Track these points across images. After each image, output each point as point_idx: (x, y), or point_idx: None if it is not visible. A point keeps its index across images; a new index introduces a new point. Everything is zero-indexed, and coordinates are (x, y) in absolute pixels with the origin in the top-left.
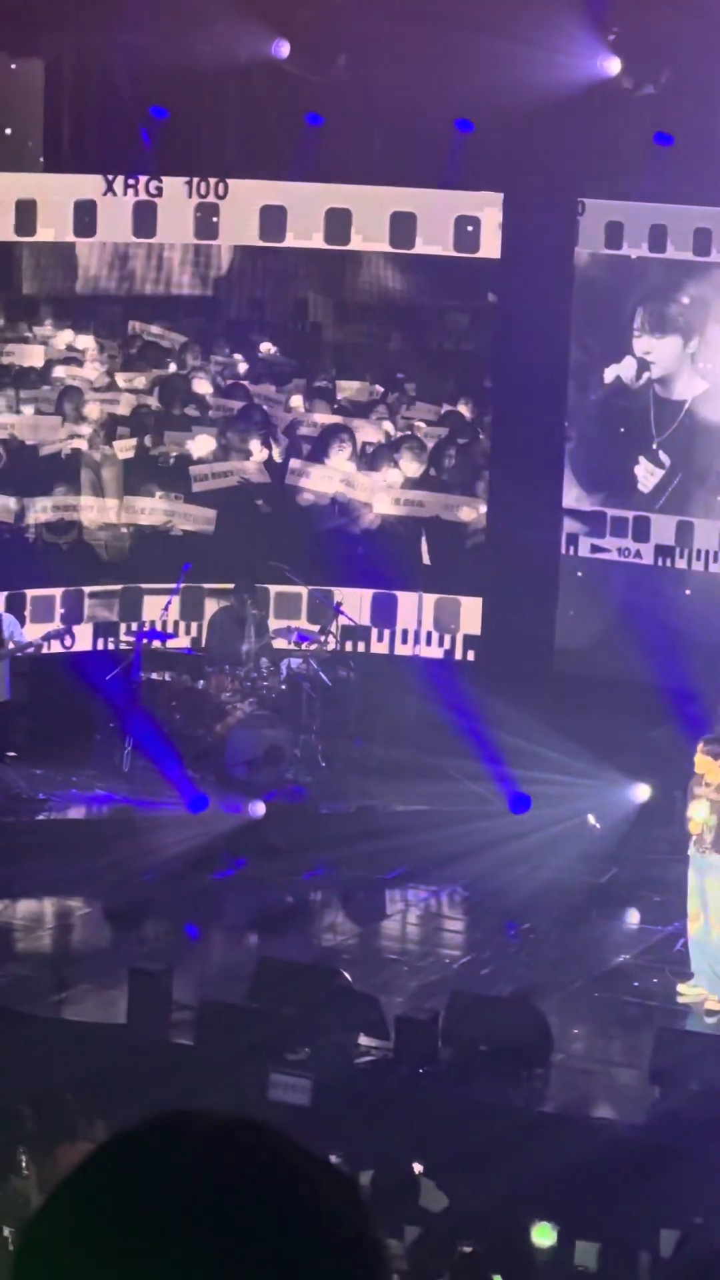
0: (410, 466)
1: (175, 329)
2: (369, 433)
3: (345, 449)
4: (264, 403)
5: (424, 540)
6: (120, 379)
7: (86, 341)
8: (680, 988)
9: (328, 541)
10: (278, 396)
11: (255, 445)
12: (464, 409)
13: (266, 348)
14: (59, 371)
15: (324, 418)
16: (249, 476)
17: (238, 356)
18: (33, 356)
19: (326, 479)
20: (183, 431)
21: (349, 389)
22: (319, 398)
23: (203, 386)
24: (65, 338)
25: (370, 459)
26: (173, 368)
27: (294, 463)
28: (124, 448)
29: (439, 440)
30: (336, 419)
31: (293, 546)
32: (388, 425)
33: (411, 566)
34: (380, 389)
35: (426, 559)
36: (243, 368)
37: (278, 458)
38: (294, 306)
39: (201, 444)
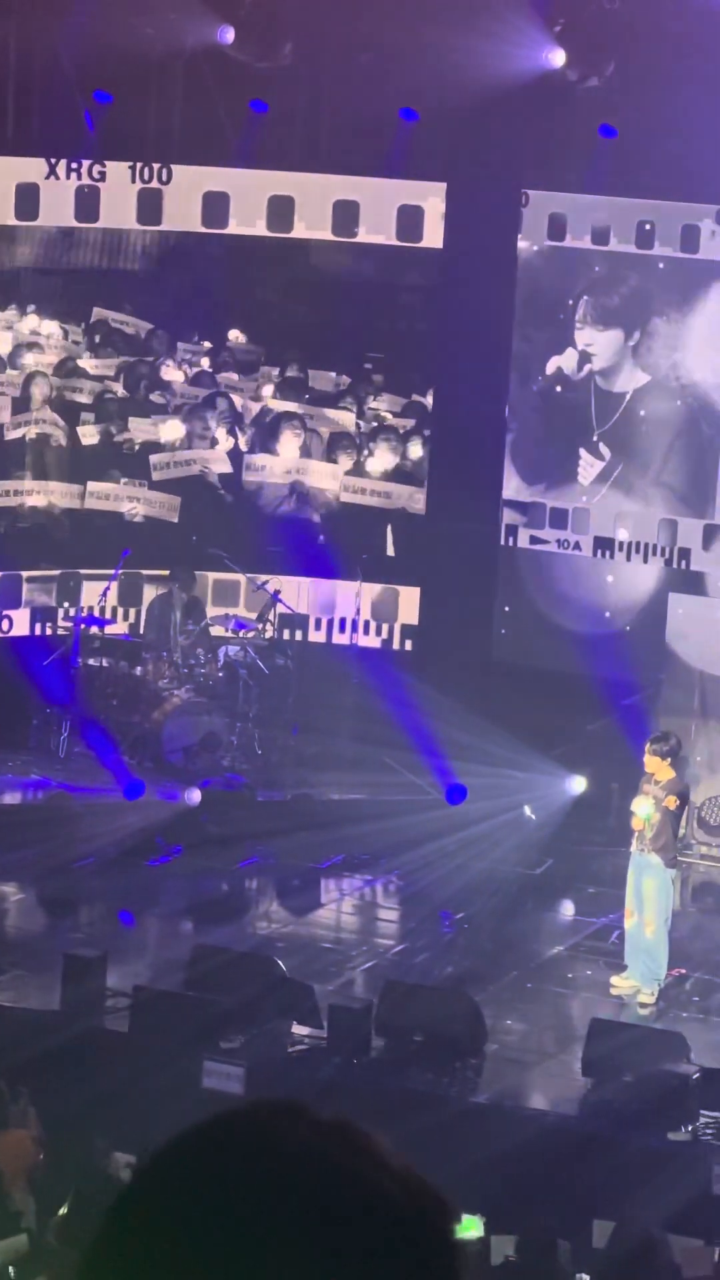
0: (385, 459)
1: (141, 316)
2: (335, 423)
3: (300, 438)
4: (231, 391)
5: (389, 532)
6: (85, 365)
7: (50, 327)
8: (613, 980)
9: (288, 531)
10: (245, 385)
11: (221, 434)
12: (429, 400)
13: (235, 335)
14: (22, 357)
15: (290, 407)
16: (211, 465)
17: (205, 344)
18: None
19: (288, 468)
20: (146, 418)
21: (317, 379)
22: (288, 387)
23: (169, 374)
24: (30, 323)
25: (337, 449)
26: (138, 355)
27: (256, 453)
28: (88, 434)
29: (405, 431)
30: (299, 408)
31: (253, 535)
32: (354, 416)
33: (375, 557)
34: (348, 379)
35: (391, 550)
36: (210, 356)
37: (244, 446)
38: (263, 294)
39: (170, 430)
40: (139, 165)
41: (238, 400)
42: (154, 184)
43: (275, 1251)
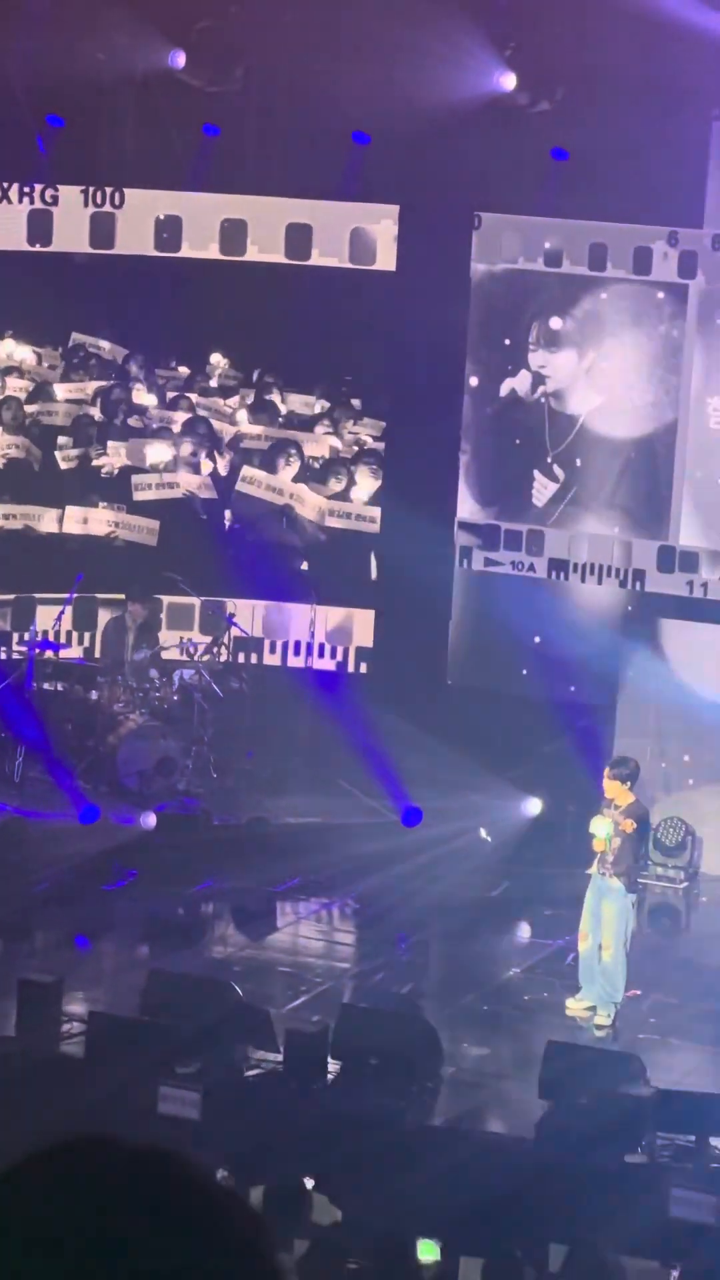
0: (367, 484)
1: (117, 340)
2: (314, 447)
3: (293, 464)
4: (210, 415)
5: (373, 557)
6: (61, 389)
7: (25, 352)
8: (568, 1002)
9: (272, 556)
10: (223, 409)
11: (201, 458)
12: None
13: (216, 359)
14: None
15: (269, 431)
16: (194, 490)
17: (183, 369)
18: None
19: (273, 493)
20: (123, 442)
21: (294, 402)
22: (263, 410)
23: (146, 398)
24: (5, 348)
25: (318, 473)
26: (115, 379)
27: (241, 474)
28: (66, 458)
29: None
30: (282, 433)
31: (234, 560)
32: (333, 440)
33: (359, 582)
34: (326, 403)
35: (375, 575)
36: (187, 380)
37: (223, 470)
38: (240, 318)
39: (153, 453)
40: (91, 189)
41: (215, 424)
42: (107, 207)
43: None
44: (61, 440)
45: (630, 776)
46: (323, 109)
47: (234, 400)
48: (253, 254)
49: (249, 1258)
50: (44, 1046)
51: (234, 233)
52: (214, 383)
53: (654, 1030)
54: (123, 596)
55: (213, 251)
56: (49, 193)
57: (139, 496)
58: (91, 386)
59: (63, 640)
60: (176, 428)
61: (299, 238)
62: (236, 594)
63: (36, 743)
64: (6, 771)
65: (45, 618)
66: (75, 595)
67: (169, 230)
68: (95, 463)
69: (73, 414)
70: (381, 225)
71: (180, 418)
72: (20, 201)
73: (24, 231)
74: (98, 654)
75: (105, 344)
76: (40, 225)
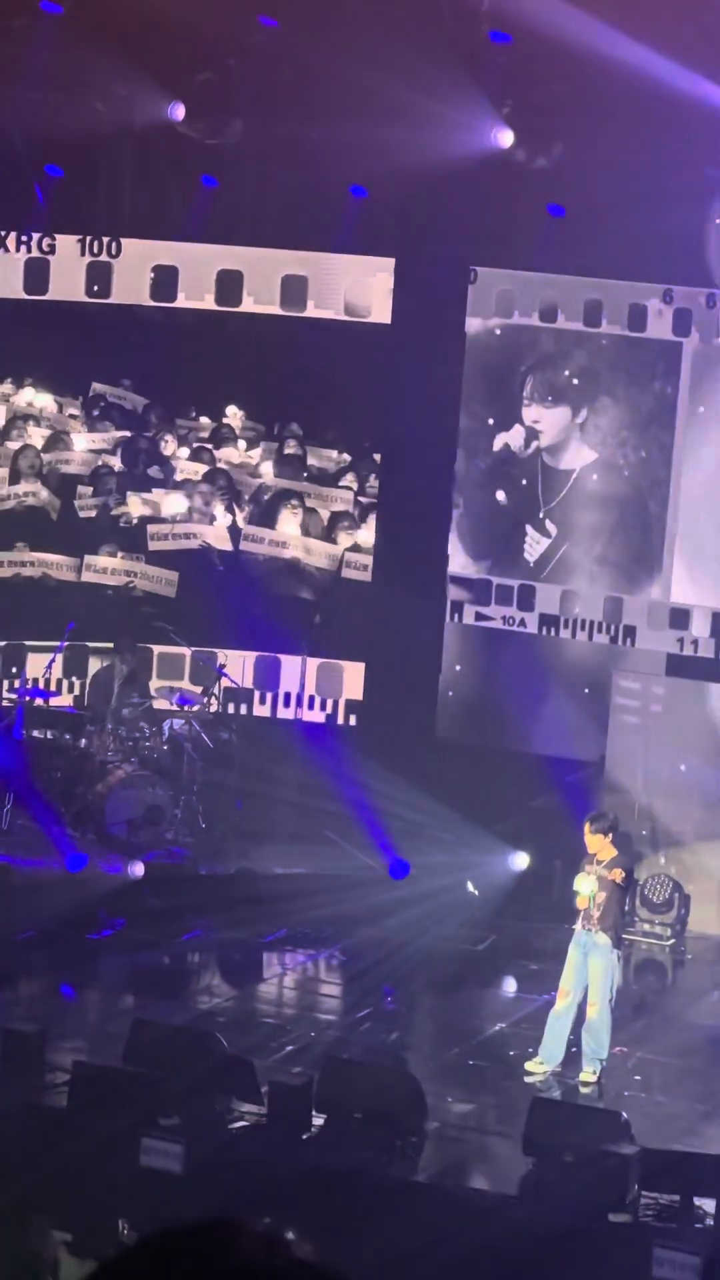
0: (369, 536)
1: (138, 390)
2: (337, 501)
3: (298, 515)
4: (230, 467)
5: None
6: (81, 438)
7: (45, 400)
8: (528, 1065)
9: (284, 607)
10: (244, 461)
11: (219, 509)
12: (375, 475)
13: (233, 411)
14: (17, 429)
15: (289, 484)
16: (210, 541)
17: (204, 419)
18: None
19: (283, 545)
20: (142, 492)
21: (318, 456)
22: (286, 464)
23: (167, 448)
24: (26, 396)
25: (335, 526)
26: (136, 429)
27: (250, 528)
28: (84, 506)
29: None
30: (298, 485)
31: (247, 610)
32: (353, 494)
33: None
34: (348, 457)
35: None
36: (208, 431)
37: (241, 523)
38: (262, 371)
39: (171, 504)
40: (89, 238)
41: (236, 476)
42: (103, 257)
43: None
44: (81, 489)
45: (611, 828)
46: (320, 162)
47: (255, 452)
48: (248, 305)
49: None
50: (27, 1096)
51: (230, 284)
52: (233, 434)
53: (639, 1088)
54: (112, 645)
55: (208, 302)
56: (46, 242)
57: (155, 546)
58: (112, 436)
59: (53, 688)
60: (196, 479)
61: (295, 289)
62: (246, 646)
63: (25, 790)
64: None
65: (36, 665)
66: (66, 644)
67: (164, 280)
68: (114, 512)
69: (92, 463)
70: (377, 278)
71: (200, 469)
72: (18, 250)
73: (20, 280)
74: (87, 702)
75: (126, 394)
76: (37, 274)
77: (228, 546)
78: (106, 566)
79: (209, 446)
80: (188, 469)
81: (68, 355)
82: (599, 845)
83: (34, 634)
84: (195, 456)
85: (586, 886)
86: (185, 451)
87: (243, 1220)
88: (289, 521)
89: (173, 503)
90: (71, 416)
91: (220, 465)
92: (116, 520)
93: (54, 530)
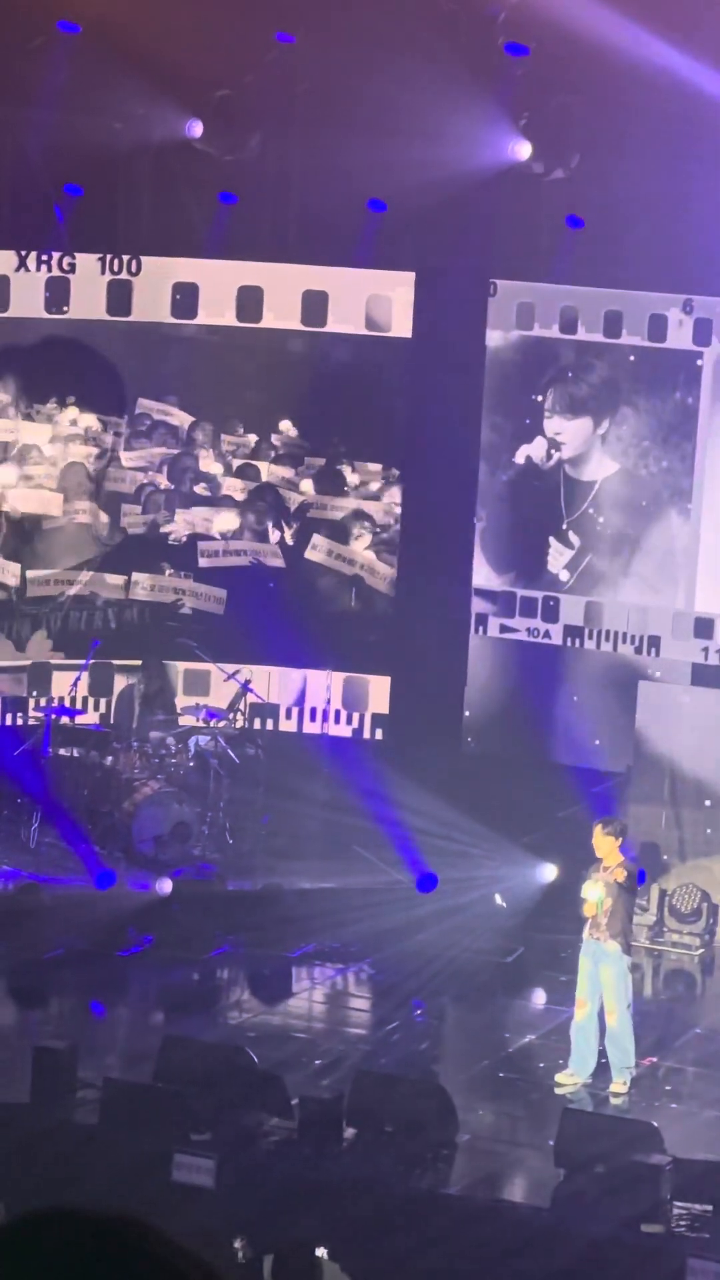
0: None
1: (183, 407)
2: (382, 516)
3: (365, 536)
4: (277, 483)
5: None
6: (127, 456)
7: (90, 419)
8: (558, 1077)
9: (342, 625)
10: (292, 478)
11: (268, 526)
12: (398, 489)
13: (286, 426)
14: (61, 448)
15: (337, 501)
16: (263, 558)
17: (250, 436)
18: (37, 433)
19: (343, 562)
20: (189, 509)
21: (364, 471)
22: (332, 480)
23: (212, 465)
24: (70, 414)
25: (387, 543)
26: (182, 447)
27: (311, 543)
28: (132, 524)
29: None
30: (352, 503)
31: (303, 628)
32: (381, 508)
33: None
34: (396, 472)
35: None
36: (254, 447)
37: (290, 540)
38: (306, 387)
39: (221, 521)
40: (109, 257)
41: (283, 492)
42: (123, 275)
43: None
44: (127, 507)
45: (622, 833)
46: (339, 177)
47: (301, 469)
48: (269, 321)
49: None
50: (58, 1113)
51: (250, 300)
52: (280, 451)
53: (670, 1098)
54: (139, 663)
55: (229, 318)
56: (66, 260)
57: (205, 564)
58: (158, 453)
59: (79, 706)
60: (242, 496)
61: (315, 305)
62: (303, 664)
63: (52, 808)
64: (22, 837)
65: (61, 683)
66: (91, 661)
67: (185, 297)
68: (163, 529)
69: (139, 481)
70: (397, 293)
71: (246, 485)
72: (38, 269)
73: (42, 299)
74: (113, 720)
75: (171, 409)
76: (58, 293)
77: (279, 563)
78: (154, 584)
79: (255, 463)
80: (234, 485)
81: (111, 374)
82: (609, 849)
83: (79, 653)
84: (240, 473)
85: (595, 894)
86: (231, 468)
87: (66, 1209)
88: (345, 537)
89: (224, 520)
90: (116, 434)
91: (266, 481)
92: (165, 538)
93: (101, 548)
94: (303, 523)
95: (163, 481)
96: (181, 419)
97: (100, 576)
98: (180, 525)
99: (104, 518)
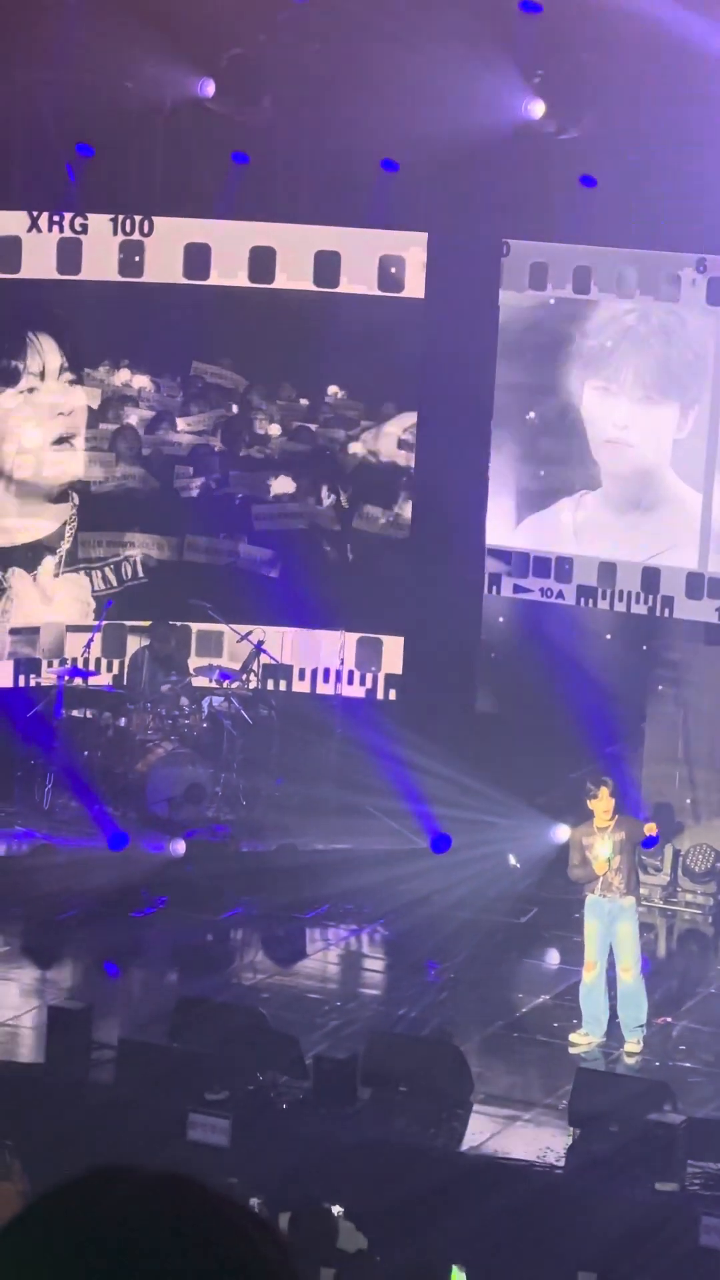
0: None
1: (237, 370)
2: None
3: (401, 494)
4: (329, 446)
5: None
6: (182, 420)
7: (143, 381)
8: (572, 1037)
9: (396, 589)
10: (344, 440)
11: (324, 489)
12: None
13: (334, 390)
14: (114, 411)
15: (391, 459)
16: (317, 520)
17: (303, 400)
18: (90, 396)
19: (393, 527)
20: (247, 472)
21: (398, 424)
22: (385, 443)
23: (268, 428)
24: (122, 377)
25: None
26: (235, 409)
27: (365, 508)
28: (187, 487)
29: None
30: (405, 461)
31: (358, 592)
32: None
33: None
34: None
35: None
36: (308, 411)
37: (345, 503)
38: (356, 350)
39: (277, 484)
40: (120, 218)
41: (338, 457)
42: (135, 236)
43: None
44: (180, 469)
45: (617, 790)
46: (351, 136)
47: (356, 431)
48: (281, 282)
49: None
50: (74, 1073)
51: (263, 260)
52: (333, 413)
53: (684, 1057)
54: (149, 624)
55: (241, 279)
56: (78, 221)
57: (260, 527)
58: (213, 416)
59: (91, 668)
60: (297, 458)
61: (328, 265)
62: (349, 627)
63: (66, 770)
64: (36, 799)
65: (74, 645)
66: (104, 623)
67: (197, 258)
68: (217, 493)
69: (193, 444)
70: (410, 253)
71: (300, 448)
72: (50, 230)
73: (54, 260)
74: (125, 682)
75: (225, 372)
76: (69, 254)
77: (336, 527)
78: (208, 547)
79: (310, 426)
80: (289, 448)
81: (164, 335)
82: (608, 804)
83: (135, 615)
84: (295, 436)
85: (605, 850)
86: (286, 431)
87: (124, 1169)
88: (395, 505)
89: (280, 483)
90: (170, 397)
91: (321, 445)
92: (219, 501)
93: (155, 511)
94: (354, 485)
95: (217, 444)
96: (236, 381)
97: (151, 539)
98: (235, 488)
99: (156, 482)
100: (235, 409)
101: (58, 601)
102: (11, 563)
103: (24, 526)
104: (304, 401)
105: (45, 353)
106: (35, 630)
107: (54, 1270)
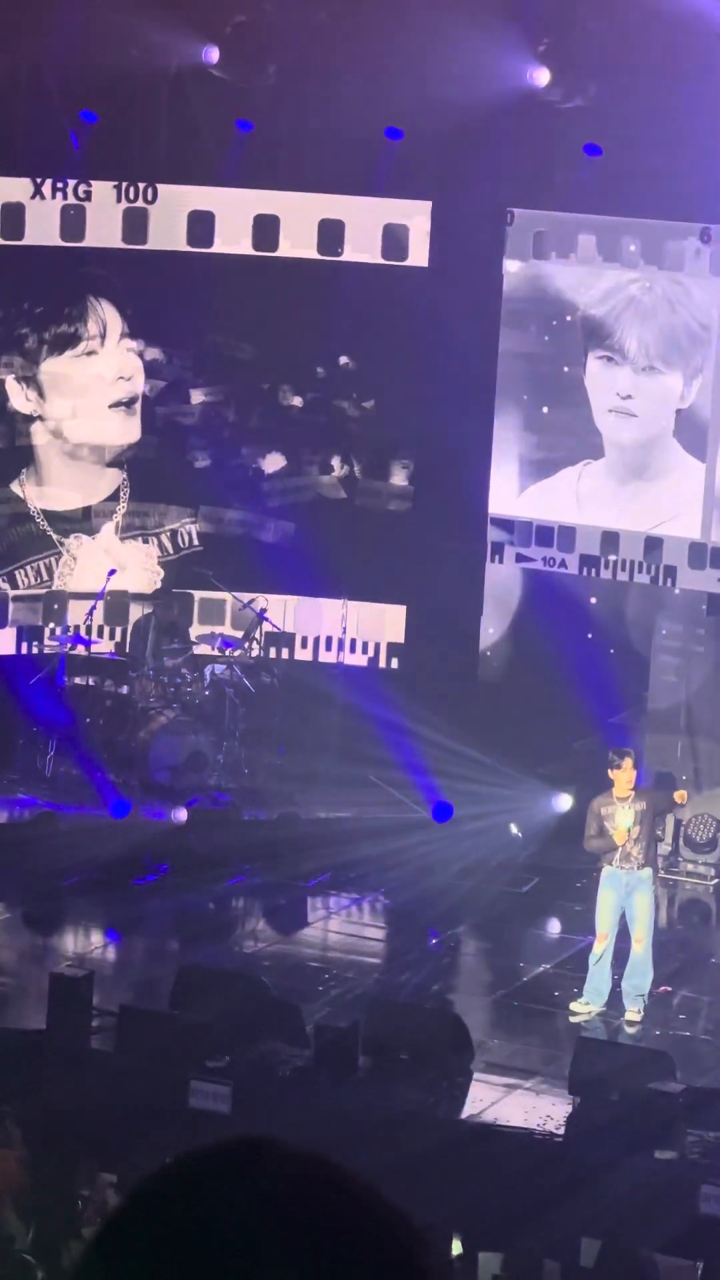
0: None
1: (251, 341)
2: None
3: (407, 467)
4: (341, 417)
5: None
6: (195, 391)
7: (155, 353)
8: (573, 1006)
9: (399, 557)
10: (354, 411)
11: (336, 460)
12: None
13: (345, 362)
14: (128, 381)
15: (395, 429)
16: (324, 493)
17: (318, 370)
18: (103, 365)
19: (395, 496)
20: (260, 445)
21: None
22: (387, 413)
23: (279, 399)
24: (135, 346)
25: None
26: (251, 381)
27: (368, 478)
28: (199, 458)
29: None
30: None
31: (367, 561)
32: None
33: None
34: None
35: None
36: (321, 381)
37: (359, 474)
38: (370, 320)
39: (287, 455)
40: (124, 184)
41: (351, 429)
42: (139, 203)
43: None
44: (194, 441)
45: (637, 761)
46: (356, 104)
47: (359, 401)
48: (285, 249)
49: (407, 1273)
50: (75, 1040)
51: (267, 228)
52: (343, 385)
53: (684, 1026)
54: (152, 592)
55: (245, 247)
56: (82, 188)
57: (271, 500)
58: (225, 388)
59: (94, 635)
60: (309, 430)
61: (331, 234)
62: (361, 597)
63: (68, 737)
64: (38, 766)
65: (77, 613)
66: (107, 590)
67: (201, 225)
68: (229, 464)
69: (207, 416)
70: (414, 221)
71: (313, 420)
72: (54, 197)
73: (58, 227)
74: (128, 649)
75: (241, 345)
76: (73, 221)
77: (341, 494)
78: (221, 518)
79: (322, 397)
80: (302, 420)
81: (180, 306)
82: (631, 776)
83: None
84: (310, 408)
85: (626, 819)
86: (300, 402)
87: (267, 1139)
88: (398, 474)
89: (287, 454)
90: (184, 368)
91: (335, 416)
92: (232, 472)
93: (168, 482)
94: (367, 456)
95: (231, 415)
96: (249, 353)
97: (166, 509)
98: (247, 459)
99: (168, 452)
100: (244, 379)
101: (123, 568)
102: (72, 528)
103: (76, 490)
104: (319, 370)
105: (107, 317)
106: (39, 597)
107: (202, 1229)
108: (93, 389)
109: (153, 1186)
